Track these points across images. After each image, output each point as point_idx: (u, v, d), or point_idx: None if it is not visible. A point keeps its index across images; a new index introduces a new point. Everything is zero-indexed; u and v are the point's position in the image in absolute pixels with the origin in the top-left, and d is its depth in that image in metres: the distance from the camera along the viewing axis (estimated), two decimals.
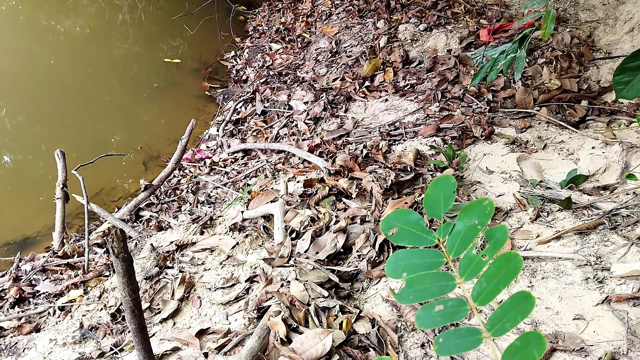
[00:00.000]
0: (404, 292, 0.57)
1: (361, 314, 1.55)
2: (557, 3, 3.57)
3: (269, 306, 1.62)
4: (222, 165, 3.41)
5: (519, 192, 2.03)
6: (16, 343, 1.95)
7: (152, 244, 2.28)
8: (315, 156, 2.72)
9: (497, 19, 3.83)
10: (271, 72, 4.46)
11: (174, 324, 1.80)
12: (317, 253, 1.89)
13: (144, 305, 1.88)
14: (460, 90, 3.09)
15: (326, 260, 1.85)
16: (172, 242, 2.24)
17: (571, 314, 1.43)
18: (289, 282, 1.71)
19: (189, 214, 2.75)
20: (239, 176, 3.11)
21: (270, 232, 2.13)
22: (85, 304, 2.05)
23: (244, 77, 4.73)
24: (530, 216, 1.87)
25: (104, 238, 2.69)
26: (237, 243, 2.09)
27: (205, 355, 1.57)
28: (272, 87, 4.17)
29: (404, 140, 2.72)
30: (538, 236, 1.76)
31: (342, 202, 2.18)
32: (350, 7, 4.86)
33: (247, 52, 5.20)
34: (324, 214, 2.08)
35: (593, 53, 3.07)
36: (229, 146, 3.60)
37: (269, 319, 1.54)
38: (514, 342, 0.49)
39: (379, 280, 1.74)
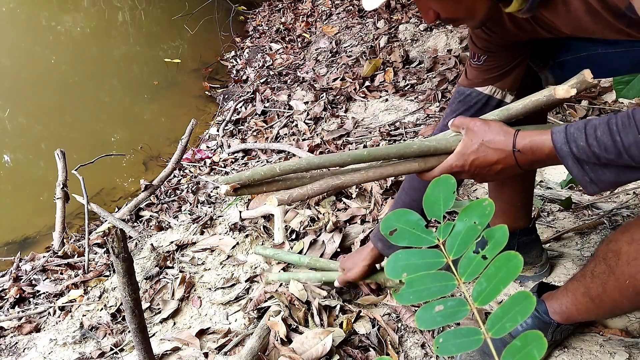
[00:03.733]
0: (404, 292, 0.57)
1: (361, 314, 1.55)
2: None
3: (269, 306, 1.62)
4: (222, 165, 3.41)
5: None
6: (16, 343, 1.95)
7: (152, 244, 2.28)
8: None
9: None
10: (271, 72, 4.46)
11: (174, 324, 1.80)
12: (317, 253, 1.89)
13: (144, 305, 1.88)
14: None
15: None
16: (172, 242, 2.24)
17: None
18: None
19: (189, 214, 2.75)
20: None
21: (270, 232, 2.13)
22: (85, 304, 2.05)
23: (244, 77, 4.73)
24: None
25: (104, 238, 2.69)
26: (237, 243, 2.09)
27: (206, 355, 1.57)
28: (272, 87, 4.17)
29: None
30: None
31: (342, 202, 2.18)
32: (350, 7, 4.86)
33: (247, 52, 5.20)
34: (324, 214, 2.08)
35: None
36: (229, 146, 3.60)
37: (269, 319, 1.54)
38: (514, 342, 0.49)
39: None
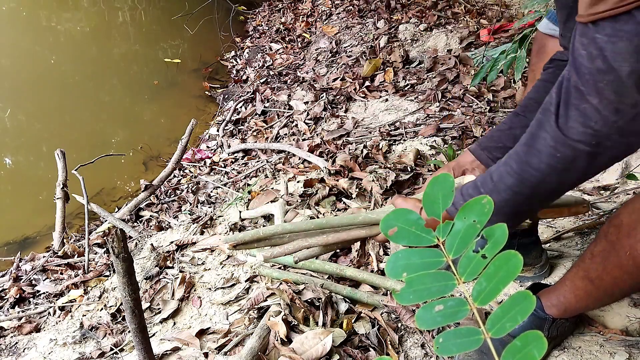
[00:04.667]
0: (404, 292, 0.57)
1: (361, 314, 1.55)
2: None
3: (269, 306, 1.62)
4: (222, 165, 3.41)
5: None
6: (16, 343, 1.95)
7: (152, 244, 2.28)
8: (316, 156, 2.72)
9: (497, 19, 3.83)
10: (271, 72, 4.47)
11: (174, 324, 1.80)
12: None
13: (144, 305, 1.88)
14: (460, 90, 3.09)
15: (326, 259, 1.84)
16: (172, 242, 2.24)
17: None
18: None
19: (189, 214, 2.75)
20: (239, 176, 3.11)
21: None
22: (85, 304, 2.05)
23: (244, 77, 4.73)
24: None
25: (104, 238, 2.69)
26: None
27: (206, 355, 1.57)
28: (272, 87, 4.17)
29: (404, 140, 2.72)
30: None
31: (342, 202, 2.18)
32: (351, 7, 4.86)
33: (247, 52, 5.20)
34: (324, 214, 2.08)
35: None
36: (229, 146, 3.60)
37: (269, 319, 1.53)
38: (514, 342, 0.49)
39: None
